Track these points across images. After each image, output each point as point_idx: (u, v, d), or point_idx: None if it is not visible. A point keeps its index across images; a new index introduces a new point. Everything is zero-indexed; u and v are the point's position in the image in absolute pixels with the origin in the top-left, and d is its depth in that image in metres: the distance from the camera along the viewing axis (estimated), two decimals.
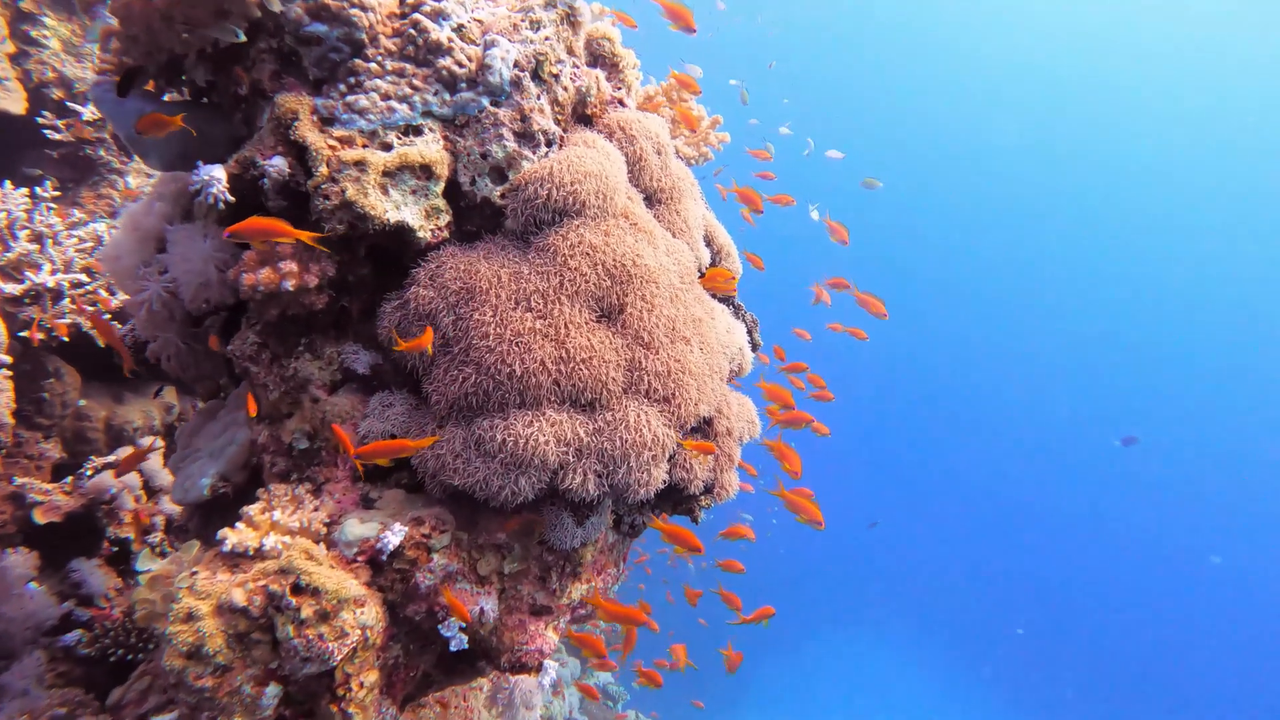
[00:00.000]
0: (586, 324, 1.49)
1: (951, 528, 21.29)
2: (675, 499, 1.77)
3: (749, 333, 2.09)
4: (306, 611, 1.25)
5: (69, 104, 2.65)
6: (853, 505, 17.97)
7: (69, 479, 2.49)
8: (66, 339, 2.37)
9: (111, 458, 2.59)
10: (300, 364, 1.52)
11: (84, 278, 2.37)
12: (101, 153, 2.83)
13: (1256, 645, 18.83)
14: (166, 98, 1.54)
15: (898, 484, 22.49)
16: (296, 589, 1.26)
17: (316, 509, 1.43)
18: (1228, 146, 25.19)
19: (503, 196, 1.53)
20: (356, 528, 1.42)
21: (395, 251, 1.54)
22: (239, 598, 1.23)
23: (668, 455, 1.59)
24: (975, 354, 26.23)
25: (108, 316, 2.40)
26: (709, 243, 1.95)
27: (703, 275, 1.84)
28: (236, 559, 1.30)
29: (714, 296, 2.02)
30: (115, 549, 2.58)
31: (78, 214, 2.60)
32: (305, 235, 1.30)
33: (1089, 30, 24.43)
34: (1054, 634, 17.67)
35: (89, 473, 2.50)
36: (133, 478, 2.54)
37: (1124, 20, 24.01)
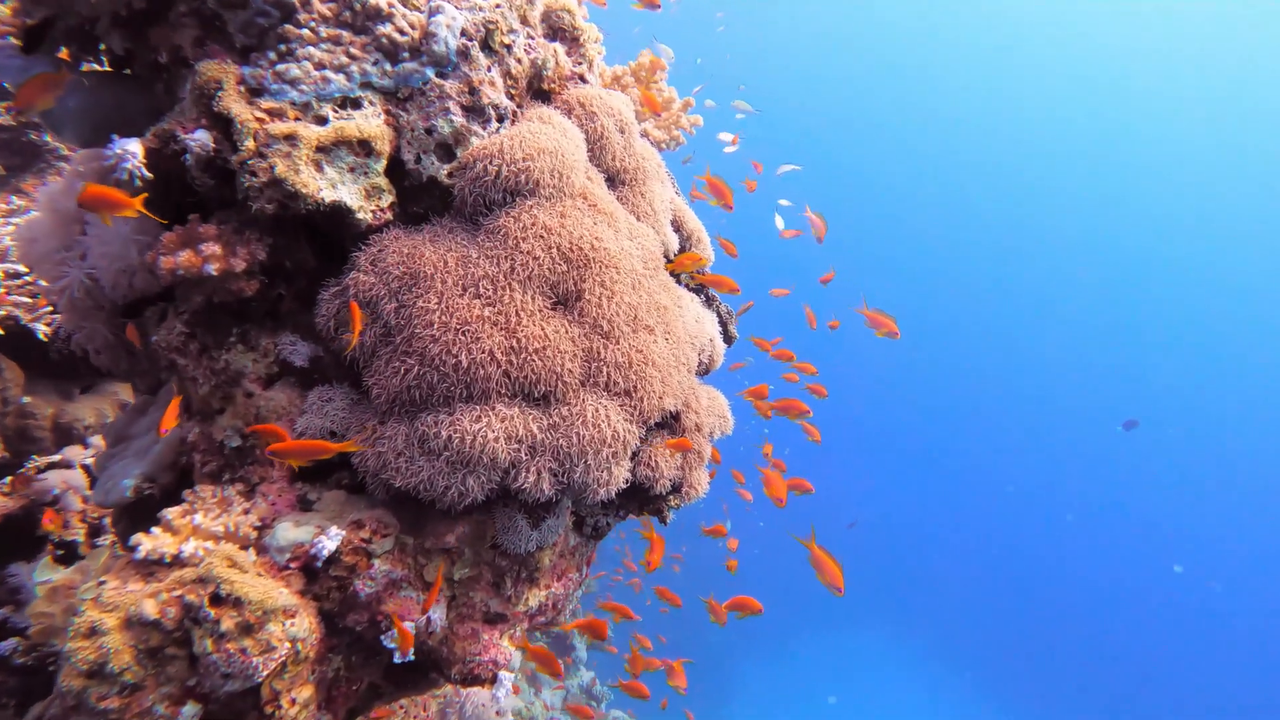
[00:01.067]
0: (540, 312, 1.39)
1: (941, 526, 21.29)
2: (641, 499, 1.67)
3: (723, 324, 2.00)
4: (227, 624, 1.14)
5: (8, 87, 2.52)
6: (840, 503, 17.95)
7: (8, 479, 2.36)
8: (2, 333, 2.24)
9: (57, 456, 2.46)
10: (232, 356, 1.41)
11: (21, 268, 2.24)
12: (47, 138, 2.69)
13: (1255, 646, 18.91)
14: (83, 69, 1.42)
15: (887, 482, 22.45)
16: (216, 599, 1.15)
17: (247, 511, 1.33)
18: (1226, 138, 25.30)
19: (450, 175, 1.42)
20: (290, 532, 1.31)
21: (336, 235, 1.43)
22: (150, 610, 1.13)
23: (630, 452, 1.49)
24: (968, 350, 26.24)
25: (47, 309, 2.27)
26: (678, 228, 1.85)
27: (670, 261, 1.74)
28: (151, 567, 1.19)
29: (694, 288, 1.93)
30: (61, 552, 2.46)
31: (18, 202, 2.47)
32: (137, 203, 1.19)
33: (1086, 12, 24.45)
34: (1048, 633, 17.67)
35: (30, 473, 2.37)
36: (78, 478, 2.41)
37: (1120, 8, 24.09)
